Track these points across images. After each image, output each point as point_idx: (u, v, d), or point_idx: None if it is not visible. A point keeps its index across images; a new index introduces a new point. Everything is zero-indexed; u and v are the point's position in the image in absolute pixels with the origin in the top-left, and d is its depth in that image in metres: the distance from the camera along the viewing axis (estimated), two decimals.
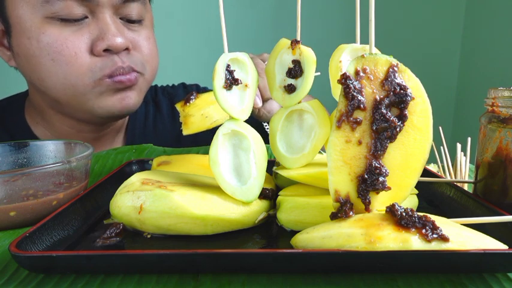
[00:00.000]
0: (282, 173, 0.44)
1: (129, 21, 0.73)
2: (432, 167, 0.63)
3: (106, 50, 0.69)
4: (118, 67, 0.70)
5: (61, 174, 0.47)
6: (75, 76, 0.69)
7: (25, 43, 0.67)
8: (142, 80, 0.77)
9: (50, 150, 0.58)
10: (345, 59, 0.43)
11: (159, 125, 0.95)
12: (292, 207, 0.40)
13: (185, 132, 0.53)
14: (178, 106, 0.55)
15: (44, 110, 0.81)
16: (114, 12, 0.70)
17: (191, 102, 0.54)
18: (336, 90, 0.43)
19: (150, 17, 0.79)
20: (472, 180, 0.46)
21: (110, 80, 0.70)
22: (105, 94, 0.72)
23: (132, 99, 0.76)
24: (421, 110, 0.34)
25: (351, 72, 0.34)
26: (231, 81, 0.42)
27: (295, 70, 0.43)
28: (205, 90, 1.00)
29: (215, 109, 0.53)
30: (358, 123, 0.33)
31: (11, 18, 0.68)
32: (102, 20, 0.68)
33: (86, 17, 0.68)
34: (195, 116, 0.53)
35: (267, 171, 0.44)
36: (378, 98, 0.33)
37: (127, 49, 0.71)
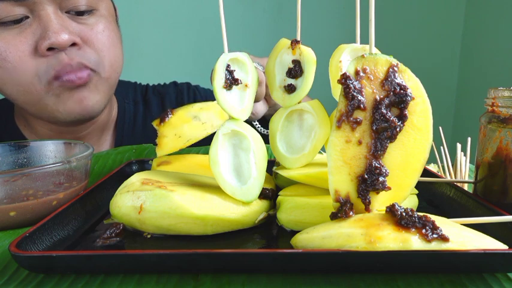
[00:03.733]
0: (282, 173, 0.44)
1: (78, 13, 0.68)
2: (432, 167, 0.63)
3: (51, 49, 0.65)
4: (65, 64, 0.66)
5: (61, 174, 0.47)
6: (25, 81, 0.66)
7: None
8: (98, 78, 0.71)
9: (50, 150, 0.58)
10: (345, 59, 0.43)
11: (149, 124, 0.93)
12: (292, 207, 0.40)
13: (158, 153, 0.52)
14: (155, 124, 0.54)
15: (25, 114, 0.81)
16: (57, 7, 0.65)
17: (166, 120, 0.53)
18: (336, 90, 0.43)
19: (107, 7, 0.74)
20: (472, 180, 0.46)
21: (58, 81, 0.67)
22: (62, 96, 0.69)
23: (91, 99, 0.71)
24: (421, 110, 0.34)
25: (351, 72, 0.34)
26: (231, 81, 0.42)
27: (295, 70, 0.43)
28: (196, 88, 1.00)
29: (189, 127, 0.52)
30: (358, 123, 0.33)
31: None
32: (44, 17, 0.64)
33: (27, 17, 0.64)
34: (168, 136, 0.52)
35: (267, 171, 0.44)
36: (378, 98, 0.33)
37: (75, 44, 0.66)
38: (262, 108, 0.75)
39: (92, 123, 0.84)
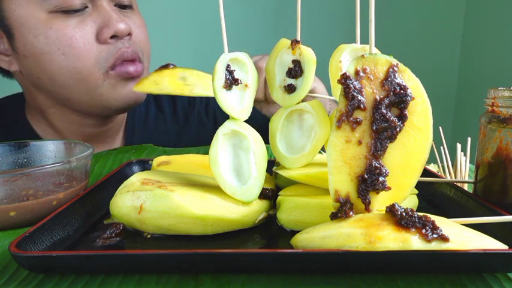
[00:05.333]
0: (282, 173, 0.44)
1: (121, 6, 0.74)
2: (432, 167, 0.63)
3: (112, 37, 0.70)
4: (122, 51, 0.71)
5: (61, 174, 0.47)
6: (86, 69, 0.69)
7: (32, 41, 0.68)
8: (143, 69, 0.78)
9: (50, 150, 0.58)
10: (345, 59, 0.43)
11: (161, 125, 0.95)
12: (292, 207, 0.40)
13: (134, 88, 0.57)
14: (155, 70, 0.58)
15: (44, 110, 0.81)
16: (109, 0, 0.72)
17: (161, 70, 0.57)
18: (336, 90, 0.43)
19: (137, 6, 0.81)
20: (472, 180, 0.46)
21: (115, 71, 0.72)
22: (117, 86, 0.73)
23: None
24: (421, 110, 0.34)
25: (351, 72, 0.34)
26: (231, 81, 0.42)
27: (295, 70, 0.43)
28: None
29: (169, 82, 0.56)
30: (358, 123, 0.33)
31: (12, 20, 0.68)
32: (102, 7, 0.70)
33: (86, 7, 0.69)
34: (149, 79, 0.57)
35: (267, 171, 0.44)
36: (378, 98, 0.33)
37: (129, 34, 0.73)
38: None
39: (111, 120, 0.87)
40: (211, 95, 0.55)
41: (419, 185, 0.40)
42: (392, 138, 0.33)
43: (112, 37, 0.70)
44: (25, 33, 0.68)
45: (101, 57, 0.70)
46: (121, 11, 0.74)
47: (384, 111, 0.33)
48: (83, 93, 0.73)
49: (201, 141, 0.77)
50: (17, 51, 0.70)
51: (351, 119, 0.33)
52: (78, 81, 0.71)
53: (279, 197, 0.43)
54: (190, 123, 0.96)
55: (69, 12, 0.67)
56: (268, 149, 0.51)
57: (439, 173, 0.59)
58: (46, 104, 0.80)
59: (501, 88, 0.41)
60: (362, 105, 0.33)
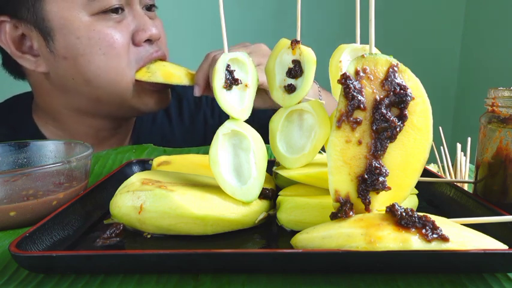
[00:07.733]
0: (282, 173, 0.44)
1: (147, 8, 0.77)
2: (432, 167, 0.63)
3: (146, 40, 0.74)
4: (152, 57, 0.75)
5: (61, 174, 0.47)
6: (122, 69, 0.72)
7: (75, 43, 0.69)
8: None
9: (50, 150, 0.58)
10: (345, 59, 0.43)
11: (166, 127, 0.95)
12: (292, 207, 0.40)
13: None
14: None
15: (58, 112, 0.81)
16: (140, 3, 0.75)
17: (157, 61, 0.75)
18: (336, 90, 0.43)
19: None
20: (472, 180, 0.46)
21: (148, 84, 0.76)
22: (143, 95, 0.76)
23: (169, 97, 0.82)
24: (421, 110, 0.34)
25: (351, 72, 0.34)
26: (231, 81, 0.42)
27: (295, 70, 0.43)
28: None
29: (162, 73, 0.73)
30: (358, 123, 0.33)
31: (54, 23, 0.68)
32: (137, 11, 0.73)
33: (123, 10, 0.72)
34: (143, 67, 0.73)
35: (267, 171, 0.44)
36: (378, 98, 0.33)
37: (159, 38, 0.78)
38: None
39: (131, 120, 0.89)
40: (166, 81, 0.74)
41: (419, 185, 0.40)
42: (392, 138, 0.33)
43: (145, 40, 0.74)
44: (67, 35, 0.68)
45: (137, 57, 0.73)
46: (146, 13, 0.76)
47: (384, 111, 0.33)
48: (118, 95, 0.75)
49: (207, 143, 0.77)
50: (55, 53, 0.70)
51: (351, 119, 0.33)
52: (113, 82, 0.73)
53: (279, 197, 0.43)
54: (196, 125, 0.97)
55: (109, 13, 0.70)
56: (268, 149, 0.51)
57: (439, 173, 0.59)
58: (61, 107, 0.80)
59: (501, 88, 0.41)
60: (362, 105, 0.33)
